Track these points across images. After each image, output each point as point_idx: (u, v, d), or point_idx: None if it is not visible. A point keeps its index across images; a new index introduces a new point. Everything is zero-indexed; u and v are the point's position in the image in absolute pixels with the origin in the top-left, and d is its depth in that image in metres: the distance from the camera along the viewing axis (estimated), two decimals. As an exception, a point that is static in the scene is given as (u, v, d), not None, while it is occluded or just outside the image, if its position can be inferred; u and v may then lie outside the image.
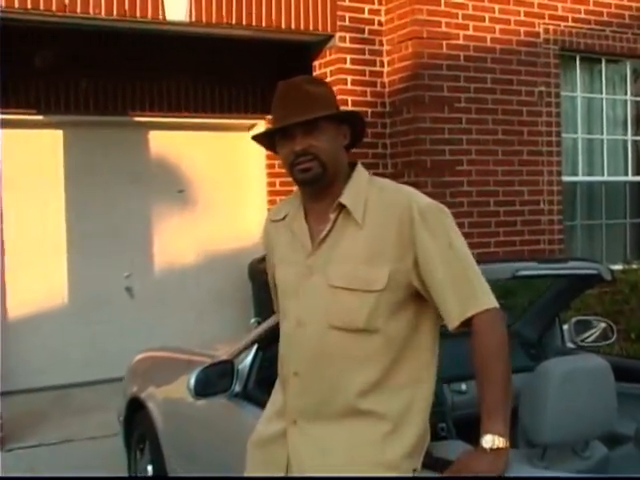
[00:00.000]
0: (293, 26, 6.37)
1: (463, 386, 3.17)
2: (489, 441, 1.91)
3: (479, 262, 2.08)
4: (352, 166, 2.17)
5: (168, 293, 7.53)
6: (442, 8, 6.42)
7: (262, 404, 2.39)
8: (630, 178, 7.77)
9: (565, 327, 3.68)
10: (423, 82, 6.38)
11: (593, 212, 7.66)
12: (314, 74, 6.54)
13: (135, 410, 4.13)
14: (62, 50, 6.66)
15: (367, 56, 6.57)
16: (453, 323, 2.00)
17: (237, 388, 3.06)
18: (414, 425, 2.05)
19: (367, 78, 6.56)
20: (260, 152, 7.58)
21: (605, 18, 7.20)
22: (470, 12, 6.54)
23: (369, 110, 6.47)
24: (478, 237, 6.41)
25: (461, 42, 6.51)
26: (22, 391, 6.62)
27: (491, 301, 2.02)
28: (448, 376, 2.92)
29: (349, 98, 6.39)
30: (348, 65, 6.49)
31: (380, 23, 6.62)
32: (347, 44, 6.50)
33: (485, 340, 1.98)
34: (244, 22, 6.19)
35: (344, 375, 2.03)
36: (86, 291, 7.20)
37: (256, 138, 2.24)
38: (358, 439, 2.03)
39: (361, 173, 2.16)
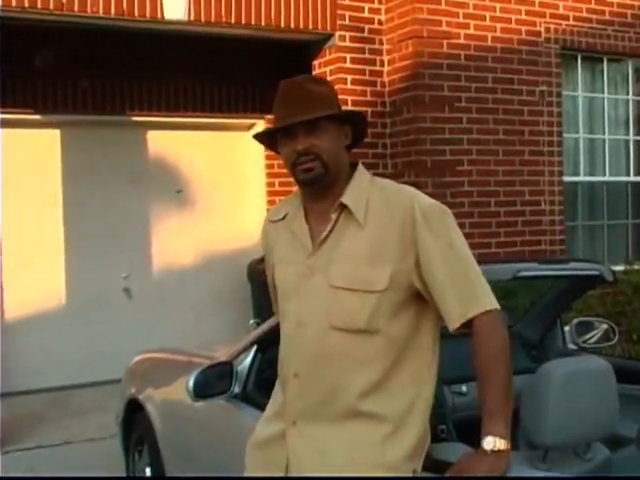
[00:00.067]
0: (292, 25, 6.36)
1: (464, 388, 3.16)
2: (490, 443, 1.91)
3: (480, 263, 2.08)
4: (353, 166, 2.17)
5: (167, 294, 7.51)
6: (442, 7, 6.40)
7: (261, 406, 2.38)
8: (632, 178, 7.76)
9: (566, 328, 3.67)
10: (423, 82, 6.37)
11: (594, 212, 7.65)
12: (314, 73, 6.54)
13: (133, 412, 4.12)
14: (61, 50, 6.66)
15: (367, 55, 6.56)
16: (454, 324, 2.00)
17: (236, 390, 3.05)
18: (415, 426, 2.05)
19: (367, 77, 6.55)
20: (259, 152, 7.58)
21: (607, 17, 7.19)
22: (471, 11, 6.52)
23: (369, 110, 6.45)
24: (479, 237, 6.40)
25: (462, 41, 6.49)
26: (20, 392, 6.60)
27: (492, 302, 2.01)
28: (448, 377, 2.91)
29: (349, 98, 6.38)
30: (348, 64, 6.48)
31: (380, 22, 6.60)
32: (347, 43, 6.49)
33: (486, 341, 1.98)
34: (243, 21, 6.18)
35: (344, 376, 2.03)
36: (84, 292, 7.18)
37: (257, 137, 2.24)
38: (358, 441, 2.02)
39: (363, 173, 2.15)
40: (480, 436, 1.94)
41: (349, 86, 6.44)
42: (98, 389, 6.65)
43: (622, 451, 2.63)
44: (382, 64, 6.61)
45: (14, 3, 5.39)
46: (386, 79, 6.62)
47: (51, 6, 5.52)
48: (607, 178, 7.61)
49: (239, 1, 6.14)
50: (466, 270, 2.02)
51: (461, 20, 6.48)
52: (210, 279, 7.67)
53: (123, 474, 4.37)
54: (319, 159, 2.05)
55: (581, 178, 7.46)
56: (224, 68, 7.43)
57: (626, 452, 2.63)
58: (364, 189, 2.10)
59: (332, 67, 6.54)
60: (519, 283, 4.89)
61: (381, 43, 6.60)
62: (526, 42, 6.79)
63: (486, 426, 1.93)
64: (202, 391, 2.93)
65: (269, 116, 7.17)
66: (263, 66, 7.39)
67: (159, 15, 5.86)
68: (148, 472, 3.93)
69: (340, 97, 2.26)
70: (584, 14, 7.06)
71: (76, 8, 5.60)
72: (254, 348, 3.12)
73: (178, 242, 7.59)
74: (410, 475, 2.01)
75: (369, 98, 6.55)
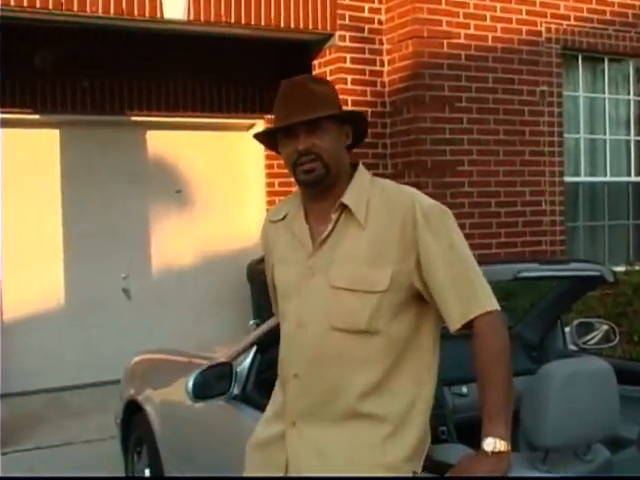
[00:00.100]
0: (292, 25, 6.35)
1: (464, 389, 3.15)
2: (490, 444, 1.91)
3: (480, 263, 2.07)
4: (354, 166, 2.16)
5: (166, 294, 7.50)
6: (443, 7, 6.39)
7: (261, 407, 2.38)
8: (633, 179, 7.75)
9: (567, 329, 3.67)
10: (424, 81, 6.36)
11: (595, 213, 7.64)
12: (314, 73, 6.53)
13: (132, 413, 4.11)
14: (61, 50, 6.65)
15: (367, 55, 6.55)
16: (454, 325, 1.99)
17: (235, 391, 3.04)
18: (415, 427, 2.04)
19: (367, 77, 6.54)
20: (259, 152, 7.56)
21: (608, 17, 7.18)
22: (471, 11, 6.51)
23: (369, 110, 6.44)
24: (479, 238, 6.39)
25: (462, 41, 6.48)
26: (18, 394, 6.59)
27: (492, 303, 2.01)
28: (449, 379, 2.90)
29: (349, 98, 6.37)
30: (348, 64, 6.47)
31: (380, 22, 6.59)
32: (347, 43, 6.48)
33: (486, 342, 1.98)
34: (243, 21, 6.17)
35: (344, 377, 2.02)
36: (83, 292, 7.17)
37: (257, 137, 2.23)
38: (358, 442, 2.01)
39: (363, 174, 2.15)
40: (480, 437, 1.93)
41: (349, 86, 6.43)
42: (97, 390, 6.65)
43: (623, 452, 2.62)
44: (382, 64, 6.60)
45: (13, 3, 5.39)
46: (386, 79, 6.61)
47: (50, 5, 5.51)
48: (608, 178, 7.60)
49: (239, 1, 6.13)
50: (467, 271, 2.01)
51: (461, 20, 6.47)
52: (209, 279, 7.66)
53: (122, 475, 4.37)
54: (320, 159, 2.05)
55: (582, 178, 7.45)
56: (224, 68, 7.42)
57: (627, 453, 2.63)
58: (365, 189, 2.09)
59: (332, 67, 6.53)
60: (519, 284, 4.88)
61: (381, 43, 6.59)
62: (527, 42, 6.78)
63: (486, 427, 1.93)
64: (201, 392, 2.93)
65: (269, 116, 7.16)
66: (263, 66, 7.38)
67: (158, 15, 5.85)
68: (147, 473, 3.93)
69: (340, 97, 2.25)
70: (585, 14, 7.05)
71: (75, 8, 5.60)
72: (254, 349, 3.11)
73: (177, 242, 7.58)
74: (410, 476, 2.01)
75: (369, 98, 6.54)
